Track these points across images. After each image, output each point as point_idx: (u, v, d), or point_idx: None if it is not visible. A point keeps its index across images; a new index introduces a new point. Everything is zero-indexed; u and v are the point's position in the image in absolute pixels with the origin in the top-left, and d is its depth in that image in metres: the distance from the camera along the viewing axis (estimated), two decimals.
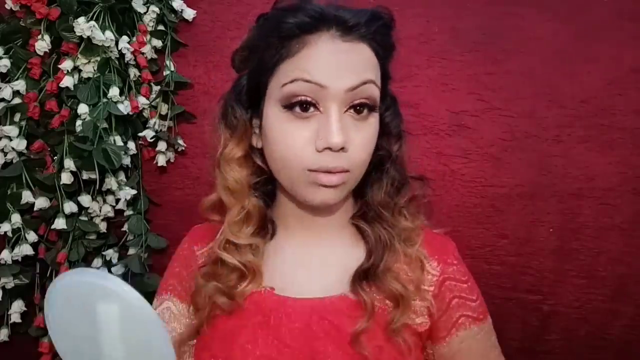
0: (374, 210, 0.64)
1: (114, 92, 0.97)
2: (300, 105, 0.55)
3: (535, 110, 1.00)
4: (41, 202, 0.98)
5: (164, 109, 1.04)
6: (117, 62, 0.99)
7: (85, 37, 0.93)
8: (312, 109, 0.55)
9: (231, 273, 0.61)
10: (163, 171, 1.08)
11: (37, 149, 1.00)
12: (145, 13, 1.00)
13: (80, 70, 0.98)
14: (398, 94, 0.67)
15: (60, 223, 0.98)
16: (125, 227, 1.06)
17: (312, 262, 0.64)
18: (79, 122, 0.96)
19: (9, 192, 0.99)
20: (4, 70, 0.97)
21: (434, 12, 1.02)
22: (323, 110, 0.55)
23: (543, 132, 1.00)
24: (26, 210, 1.01)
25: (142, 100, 1.02)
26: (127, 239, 1.06)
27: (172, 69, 1.03)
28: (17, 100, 0.97)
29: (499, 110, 1.01)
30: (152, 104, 1.03)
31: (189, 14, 1.03)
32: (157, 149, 1.04)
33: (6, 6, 0.98)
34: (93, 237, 1.04)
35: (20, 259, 0.98)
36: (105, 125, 0.96)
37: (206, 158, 1.07)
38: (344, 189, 0.59)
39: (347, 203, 0.65)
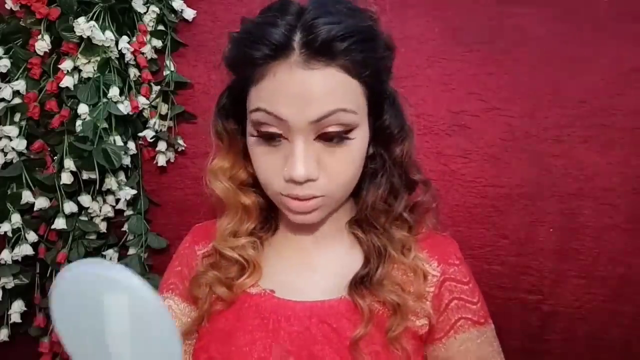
0: (367, 218, 0.62)
1: (114, 92, 0.97)
2: (266, 136, 0.54)
3: (535, 110, 1.00)
4: (41, 202, 0.98)
5: (164, 109, 1.04)
6: (117, 62, 0.99)
7: (85, 37, 0.93)
8: (279, 138, 0.54)
9: (232, 266, 0.62)
10: (163, 171, 1.08)
11: (37, 149, 1.00)
12: (145, 13, 1.00)
13: (80, 70, 0.98)
14: (401, 97, 0.64)
15: (60, 223, 0.98)
16: (125, 227, 1.06)
17: (311, 265, 0.63)
18: (79, 122, 0.96)
19: (9, 192, 0.99)
20: (4, 70, 0.97)
21: (434, 12, 1.02)
22: (290, 140, 0.53)
23: (543, 132, 1.00)
24: (26, 210, 1.01)
25: (142, 100, 1.02)
26: (127, 239, 1.06)
27: (172, 69, 1.03)
28: (17, 100, 0.97)
29: (499, 110, 1.01)
30: (152, 104, 1.03)
31: (189, 14, 1.03)
32: (157, 149, 1.04)
33: (6, 6, 0.98)
34: (93, 237, 1.04)
35: (20, 259, 0.98)
36: (105, 125, 0.96)
37: (206, 158, 1.07)
38: (323, 211, 0.58)
39: (344, 207, 0.64)
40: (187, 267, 0.68)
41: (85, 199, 1.00)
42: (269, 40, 0.51)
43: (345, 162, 0.55)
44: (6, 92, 0.96)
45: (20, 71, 0.98)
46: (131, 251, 1.06)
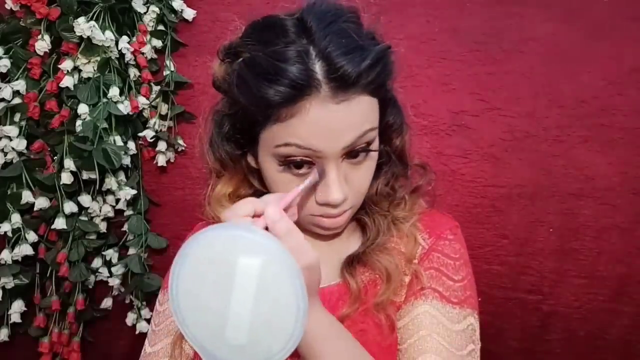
0: (371, 202, 0.63)
1: (114, 92, 0.97)
2: (294, 164, 0.53)
3: (535, 110, 1.00)
4: (41, 202, 0.98)
5: (164, 109, 1.04)
6: (117, 62, 0.99)
7: (85, 37, 0.93)
8: (307, 165, 0.53)
9: None
10: (163, 171, 1.08)
11: (37, 149, 1.00)
12: (145, 13, 1.00)
13: (80, 70, 0.98)
14: (398, 94, 0.66)
15: (60, 223, 0.98)
16: (125, 227, 1.06)
17: None
18: (79, 122, 0.96)
19: (9, 192, 0.99)
20: (4, 70, 0.97)
21: (434, 12, 1.02)
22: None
23: (543, 132, 1.00)
24: (26, 210, 1.01)
25: (142, 100, 1.02)
26: (127, 239, 1.06)
27: (172, 69, 1.03)
28: (17, 100, 0.97)
29: (499, 110, 1.01)
30: (152, 104, 1.03)
31: (189, 14, 1.03)
32: (157, 149, 1.04)
33: (6, 6, 0.98)
34: (93, 237, 1.04)
35: (20, 259, 0.98)
36: (105, 125, 0.96)
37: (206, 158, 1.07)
38: (349, 219, 0.60)
39: None
40: None
41: (85, 199, 1.00)
42: (290, 79, 0.48)
43: (368, 171, 0.57)
44: (6, 92, 0.96)
45: (20, 71, 0.98)
46: (131, 251, 1.06)
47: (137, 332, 1.07)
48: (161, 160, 1.05)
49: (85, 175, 0.99)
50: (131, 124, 1.03)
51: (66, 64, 0.95)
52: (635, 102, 0.98)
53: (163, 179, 1.09)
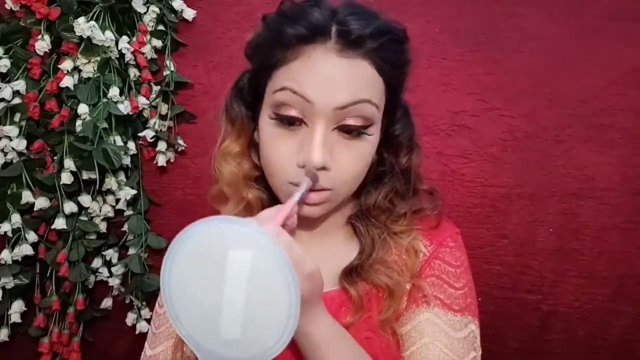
0: (368, 214, 0.63)
1: (114, 92, 0.97)
2: (287, 119, 0.54)
3: (535, 110, 1.00)
4: (41, 202, 0.98)
5: (164, 109, 1.04)
6: (117, 62, 0.99)
7: (85, 37, 0.93)
8: (299, 123, 0.54)
9: None
10: (163, 171, 1.08)
11: (37, 149, 1.00)
12: (145, 13, 1.00)
13: (80, 70, 0.98)
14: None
15: (60, 223, 0.98)
16: (125, 227, 1.06)
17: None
18: (79, 122, 0.96)
19: (9, 192, 0.99)
20: (4, 70, 0.97)
21: (434, 12, 1.02)
22: (309, 126, 0.54)
23: (543, 132, 1.00)
24: (26, 210, 1.01)
25: (142, 100, 1.02)
26: (127, 239, 1.06)
27: (172, 69, 1.03)
28: (17, 100, 0.97)
29: (499, 110, 1.01)
30: (152, 104, 1.03)
31: (189, 14, 1.03)
32: (157, 149, 1.04)
33: (6, 6, 0.98)
34: (93, 237, 1.04)
35: (20, 259, 0.98)
36: (105, 125, 0.96)
37: (206, 158, 1.07)
38: (330, 206, 0.58)
39: (344, 204, 0.64)
40: None
41: (85, 199, 1.00)
42: (309, 21, 0.52)
43: (357, 158, 0.56)
44: (6, 92, 0.96)
45: (20, 71, 0.98)
46: (131, 251, 1.06)
47: (137, 332, 1.08)
48: (161, 160, 1.05)
49: (85, 175, 0.99)
50: (131, 124, 1.03)
51: (66, 64, 0.95)
52: (635, 102, 0.98)
53: (163, 179, 1.09)
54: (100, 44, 0.94)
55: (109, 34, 0.94)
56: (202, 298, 0.40)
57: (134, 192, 1.01)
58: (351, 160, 0.55)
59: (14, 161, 0.99)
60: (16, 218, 0.98)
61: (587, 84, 0.99)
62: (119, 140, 0.98)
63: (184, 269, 0.40)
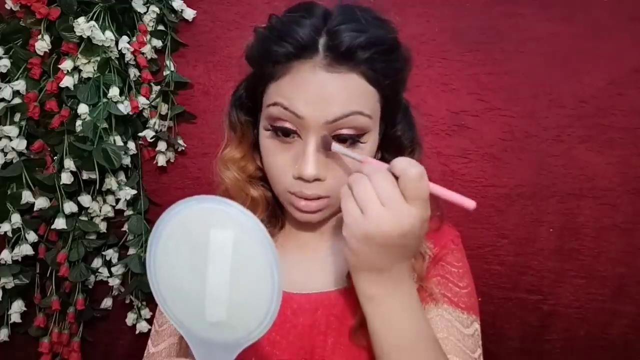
0: None
1: (114, 92, 0.97)
2: (281, 131, 0.55)
3: (535, 110, 1.00)
4: (41, 202, 0.98)
5: (164, 109, 1.04)
6: (117, 62, 0.99)
7: (85, 37, 0.93)
8: (293, 135, 0.55)
9: None
10: (163, 171, 1.08)
11: (37, 149, 1.00)
12: (145, 13, 1.00)
13: (80, 70, 0.98)
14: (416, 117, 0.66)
15: (60, 223, 0.98)
16: (125, 227, 1.06)
17: (315, 259, 0.64)
18: (79, 122, 0.96)
19: (9, 192, 0.99)
20: (4, 70, 0.97)
21: (434, 12, 1.02)
22: (303, 138, 0.55)
23: (543, 132, 1.00)
24: (26, 210, 1.01)
25: (142, 100, 1.02)
26: (127, 239, 1.06)
27: (172, 69, 1.03)
28: (17, 100, 0.97)
29: (499, 110, 1.01)
30: (152, 104, 1.03)
31: (189, 14, 1.03)
32: (157, 149, 1.04)
33: (6, 6, 0.98)
34: (93, 237, 1.04)
35: (20, 259, 0.98)
36: (105, 125, 0.96)
37: (206, 158, 1.07)
38: (328, 211, 0.59)
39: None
40: None
41: (85, 199, 1.00)
42: (295, 39, 0.53)
43: (354, 166, 0.56)
44: (6, 92, 0.96)
45: (20, 71, 0.98)
46: (131, 251, 1.06)
47: (137, 332, 1.07)
48: (161, 160, 1.05)
49: (85, 175, 0.99)
50: (131, 124, 1.03)
51: (66, 64, 0.95)
52: (635, 102, 0.98)
53: (163, 179, 1.09)
54: (100, 44, 0.94)
55: (109, 34, 0.94)
56: (187, 280, 0.40)
57: (134, 192, 1.01)
58: (347, 168, 0.56)
59: (14, 161, 0.99)
60: (16, 218, 0.98)
61: (587, 84, 0.99)
62: (119, 140, 0.98)
63: (168, 252, 0.40)
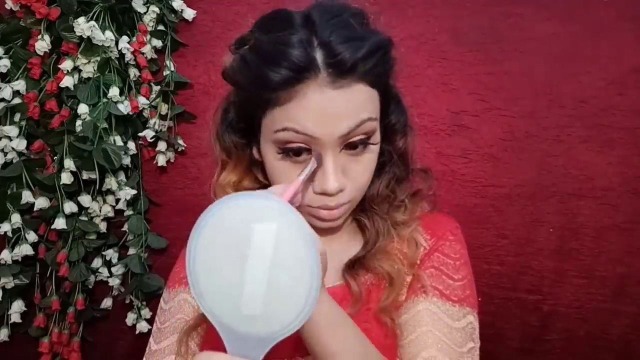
0: (371, 203, 0.64)
1: (114, 92, 0.97)
2: (293, 151, 0.54)
3: (535, 110, 1.00)
4: (41, 202, 0.98)
5: (164, 109, 1.04)
6: (117, 62, 0.99)
7: (85, 37, 0.93)
8: (305, 153, 0.54)
9: None
10: (163, 171, 1.08)
11: (37, 149, 1.00)
12: (145, 13, 1.00)
13: (80, 70, 0.98)
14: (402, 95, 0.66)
15: (60, 223, 0.98)
16: (125, 227, 1.06)
17: None
18: (79, 122, 0.96)
19: (9, 192, 0.99)
20: (4, 70, 0.97)
21: (434, 12, 1.01)
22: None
23: (543, 132, 1.00)
24: (26, 210, 1.01)
25: (142, 100, 1.02)
26: (127, 239, 1.06)
27: (172, 69, 1.03)
28: (17, 100, 0.97)
29: (499, 110, 1.01)
30: (152, 104, 1.03)
31: (189, 14, 1.03)
32: (157, 149, 1.04)
33: (6, 6, 0.98)
34: (93, 237, 1.04)
35: (20, 259, 0.98)
36: (105, 125, 0.96)
37: (206, 158, 1.07)
38: (346, 214, 0.60)
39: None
40: None
41: (85, 199, 1.00)
42: (291, 62, 0.50)
43: (368, 166, 0.57)
44: (6, 92, 0.96)
45: (20, 71, 0.98)
46: (131, 251, 1.06)
47: (137, 332, 1.07)
48: (161, 160, 1.05)
49: (85, 175, 0.99)
50: (131, 124, 1.03)
51: (66, 64, 0.95)
52: (635, 102, 0.98)
53: (163, 179, 1.09)
54: (100, 44, 0.94)
55: (109, 34, 0.94)
56: (226, 273, 0.40)
57: (134, 192, 1.01)
58: (362, 170, 0.57)
59: (14, 161, 0.99)
60: (16, 218, 0.98)
61: (587, 84, 0.99)
62: (119, 140, 0.98)
63: (209, 246, 0.40)
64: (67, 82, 0.96)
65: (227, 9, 1.05)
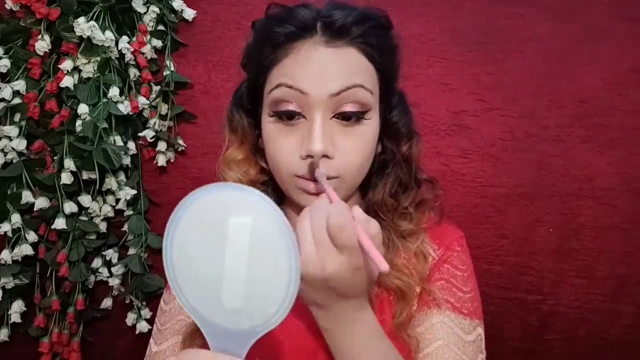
0: (375, 211, 0.63)
1: (114, 92, 0.97)
2: (285, 114, 0.56)
3: (535, 110, 1.00)
4: (41, 202, 0.98)
5: (164, 109, 1.04)
6: (117, 62, 0.99)
7: (85, 37, 0.93)
8: (297, 117, 0.56)
9: None
10: (163, 171, 1.08)
11: (37, 149, 1.00)
12: (145, 13, 1.00)
13: (80, 70, 0.98)
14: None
15: (60, 223, 0.98)
16: (125, 227, 1.06)
17: None
18: (79, 122, 0.96)
19: (9, 192, 0.99)
20: (4, 70, 0.97)
21: (434, 12, 1.02)
22: (308, 118, 0.55)
23: (543, 132, 1.00)
24: (26, 210, 1.01)
25: (142, 100, 1.02)
26: (127, 239, 1.06)
27: (172, 69, 1.03)
28: (17, 100, 0.97)
29: (499, 110, 1.01)
30: (152, 104, 1.03)
31: (189, 14, 1.03)
32: (157, 149, 1.04)
33: (6, 6, 0.98)
34: (93, 237, 1.04)
35: (20, 259, 0.98)
36: (105, 125, 0.96)
37: (206, 158, 1.07)
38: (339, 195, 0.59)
39: (351, 202, 0.65)
40: None
41: (85, 199, 1.00)
42: (296, 19, 0.56)
43: (359, 143, 0.57)
44: (6, 92, 0.96)
45: (20, 71, 0.98)
46: (131, 251, 1.06)
47: (137, 332, 1.07)
48: (161, 160, 1.05)
49: (85, 175, 0.99)
50: (131, 124, 1.03)
51: (66, 64, 0.95)
52: (635, 102, 0.98)
53: (163, 179, 1.09)
54: (100, 44, 0.94)
55: (109, 34, 0.94)
56: (204, 267, 0.39)
57: (134, 192, 1.01)
58: (353, 146, 0.56)
59: (14, 161, 0.99)
60: (16, 218, 0.98)
61: (587, 84, 0.99)
62: (119, 140, 0.98)
63: (186, 239, 0.40)
64: (67, 82, 0.96)
65: (227, 9, 1.05)
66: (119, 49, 0.97)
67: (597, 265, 1.01)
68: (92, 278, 1.05)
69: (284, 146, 0.57)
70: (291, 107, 0.55)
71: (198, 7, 1.04)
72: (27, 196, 0.97)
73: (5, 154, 0.99)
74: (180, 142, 1.05)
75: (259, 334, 0.40)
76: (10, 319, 1.02)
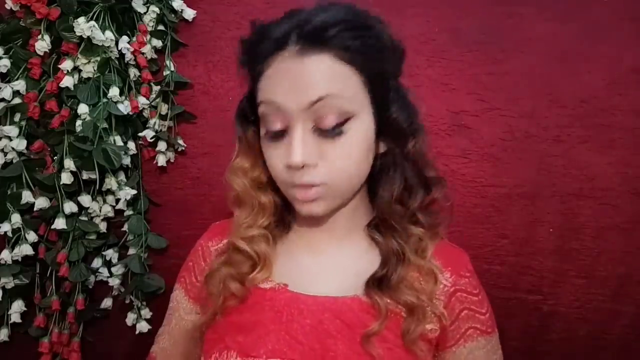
0: (385, 219, 0.63)
1: (114, 92, 0.97)
2: (275, 133, 0.57)
3: (535, 110, 1.00)
4: (41, 202, 0.98)
5: (164, 109, 1.04)
6: (117, 62, 0.99)
7: (85, 37, 0.93)
8: (284, 134, 0.57)
9: (245, 261, 0.63)
10: (163, 171, 1.08)
11: (37, 149, 1.00)
12: (145, 13, 1.00)
13: (80, 70, 0.98)
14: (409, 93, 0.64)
15: (60, 223, 0.98)
16: (125, 227, 1.06)
17: (326, 262, 0.64)
18: (79, 122, 0.96)
19: (9, 192, 0.99)
20: (4, 70, 0.97)
21: (434, 12, 1.02)
22: (288, 130, 0.56)
23: (543, 132, 1.00)
24: (26, 210, 1.01)
25: (142, 100, 1.02)
26: (127, 239, 1.06)
27: (172, 69, 1.03)
28: (17, 100, 0.97)
29: (499, 110, 1.01)
30: (152, 104, 1.03)
31: (189, 14, 1.03)
32: (157, 149, 1.04)
33: (6, 6, 0.98)
34: (93, 237, 1.04)
35: (20, 259, 0.98)
36: (105, 125, 0.96)
37: (206, 158, 1.07)
38: (330, 202, 0.59)
39: (360, 209, 0.65)
40: (197, 263, 0.71)
41: (85, 199, 1.00)
42: (271, 36, 0.56)
43: (346, 151, 0.56)
44: (6, 92, 0.96)
45: (20, 71, 0.98)
46: (131, 251, 1.06)
47: (137, 332, 1.07)
48: (161, 160, 1.05)
49: (85, 175, 0.99)
50: (131, 124, 1.03)
51: (66, 64, 0.95)
52: (635, 102, 0.98)
53: (163, 179, 1.09)
54: (100, 44, 0.94)
55: (109, 34, 0.94)
56: None
57: (134, 192, 1.01)
58: (340, 152, 0.56)
59: (14, 161, 0.99)
60: (16, 218, 0.98)
61: (587, 84, 0.99)
62: (119, 140, 0.98)
63: None
64: (67, 82, 0.96)
65: (227, 9, 1.05)
66: (119, 49, 0.97)
67: (597, 265, 1.01)
68: (92, 278, 1.05)
69: (274, 159, 0.59)
70: (278, 126, 0.56)
71: (198, 7, 1.04)
72: (27, 196, 0.97)
73: (5, 154, 0.99)
74: (180, 142, 1.05)
75: None
76: (10, 319, 1.02)
